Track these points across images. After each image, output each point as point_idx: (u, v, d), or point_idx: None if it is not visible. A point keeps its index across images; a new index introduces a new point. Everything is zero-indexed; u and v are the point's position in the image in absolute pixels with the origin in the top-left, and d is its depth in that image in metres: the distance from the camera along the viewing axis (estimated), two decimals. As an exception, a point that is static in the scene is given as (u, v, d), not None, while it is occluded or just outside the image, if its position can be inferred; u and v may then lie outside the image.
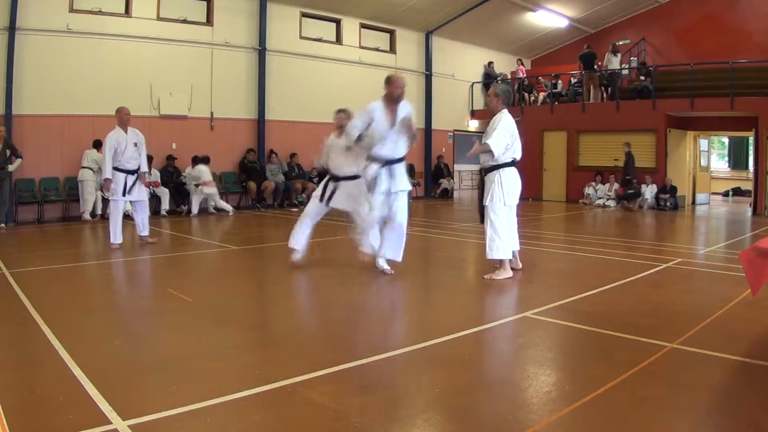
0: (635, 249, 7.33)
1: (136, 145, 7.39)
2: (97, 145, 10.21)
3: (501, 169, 5.33)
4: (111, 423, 2.35)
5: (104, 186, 7.43)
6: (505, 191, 5.29)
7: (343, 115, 5.84)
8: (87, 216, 10.32)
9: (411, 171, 13.04)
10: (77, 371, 2.91)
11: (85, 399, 2.59)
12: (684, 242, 8.92)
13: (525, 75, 17.60)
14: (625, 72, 15.60)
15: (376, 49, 15.43)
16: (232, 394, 2.66)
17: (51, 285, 5.26)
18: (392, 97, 5.17)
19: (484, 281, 5.23)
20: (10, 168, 9.23)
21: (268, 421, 2.44)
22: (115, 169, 7.24)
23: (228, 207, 11.55)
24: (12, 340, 3.61)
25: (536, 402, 2.66)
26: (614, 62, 15.32)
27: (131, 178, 7.38)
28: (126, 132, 7.33)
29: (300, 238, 5.87)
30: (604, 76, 15.32)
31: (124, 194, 7.33)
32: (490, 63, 17.83)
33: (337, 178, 5.81)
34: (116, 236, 7.29)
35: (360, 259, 5.59)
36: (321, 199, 5.85)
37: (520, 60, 18.25)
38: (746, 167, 19.32)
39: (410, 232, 5.87)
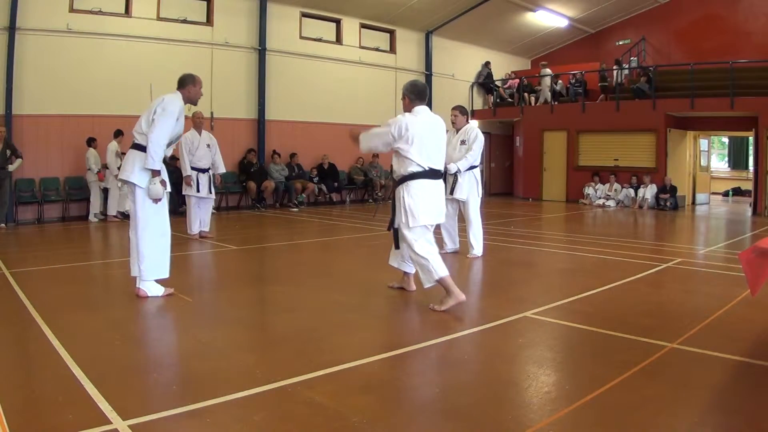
0: (635, 249, 7.33)
1: (208, 146, 8.15)
2: (90, 142, 10.26)
3: (406, 183, 4.31)
4: (111, 423, 2.35)
5: (185, 182, 8.04)
6: (410, 211, 4.26)
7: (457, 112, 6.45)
8: (101, 217, 10.30)
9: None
10: (77, 371, 2.91)
11: (85, 399, 2.59)
12: (684, 242, 8.92)
13: (516, 86, 17.58)
14: (625, 72, 15.61)
15: (376, 49, 15.41)
16: (232, 394, 2.66)
17: (51, 285, 5.26)
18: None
19: (482, 281, 5.22)
20: (10, 168, 9.23)
21: (268, 421, 2.44)
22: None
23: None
24: (12, 340, 3.61)
25: (536, 402, 2.66)
26: (612, 74, 15.45)
27: (202, 176, 8.10)
28: (200, 134, 8.12)
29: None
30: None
31: (198, 190, 8.04)
32: (487, 63, 17.83)
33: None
34: (191, 227, 8.11)
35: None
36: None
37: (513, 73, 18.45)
38: (746, 167, 19.33)
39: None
